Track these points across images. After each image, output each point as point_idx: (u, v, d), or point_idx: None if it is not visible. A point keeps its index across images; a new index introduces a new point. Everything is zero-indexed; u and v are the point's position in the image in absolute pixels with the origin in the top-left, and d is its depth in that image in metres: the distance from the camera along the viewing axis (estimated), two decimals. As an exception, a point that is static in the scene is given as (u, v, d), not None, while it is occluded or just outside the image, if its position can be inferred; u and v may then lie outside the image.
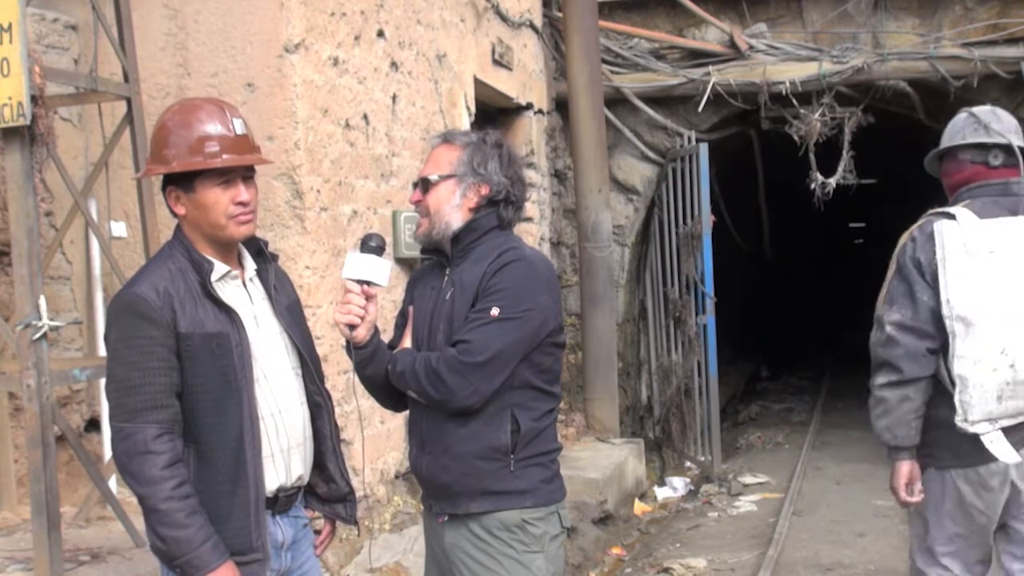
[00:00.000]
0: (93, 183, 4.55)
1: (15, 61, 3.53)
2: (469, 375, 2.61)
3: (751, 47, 8.55)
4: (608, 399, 8.08)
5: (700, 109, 8.57)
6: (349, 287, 2.67)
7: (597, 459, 7.23)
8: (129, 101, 4.36)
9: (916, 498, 3.19)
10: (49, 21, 4.90)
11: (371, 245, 2.67)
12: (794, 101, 8.44)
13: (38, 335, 3.65)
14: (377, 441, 5.41)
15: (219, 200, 2.49)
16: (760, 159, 11.32)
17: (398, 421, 5.45)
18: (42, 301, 3.66)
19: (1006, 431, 3.00)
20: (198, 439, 2.44)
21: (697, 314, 8.30)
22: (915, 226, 3.16)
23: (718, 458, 8.31)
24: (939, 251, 3.03)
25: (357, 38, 5.25)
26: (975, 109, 3.28)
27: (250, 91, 4.66)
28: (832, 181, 8.65)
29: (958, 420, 3.00)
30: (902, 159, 13.00)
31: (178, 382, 2.42)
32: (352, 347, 2.70)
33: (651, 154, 8.91)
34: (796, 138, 8.52)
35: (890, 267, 3.20)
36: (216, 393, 2.45)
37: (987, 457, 3.02)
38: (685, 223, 8.38)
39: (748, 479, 8.03)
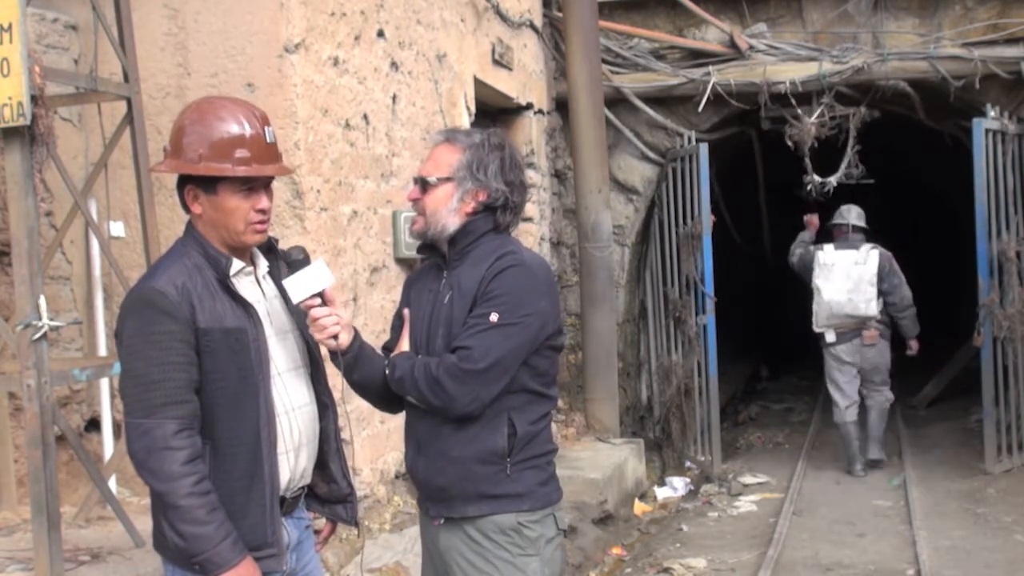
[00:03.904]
0: (93, 183, 4.55)
1: (15, 61, 3.53)
2: (470, 382, 2.60)
3: (751, 47, 8.54)
4: (608, 399, 8.08)
5: (700, 109, 8.55)
6: (307, 307, 2.61)
7: (597, 459, 7.23)
8: (129, 101, 4.36)
9: None
10: (49, 21, 4.90)
11: (296, 260, 2.60)
12: (794, 101, 8.44)
13: (38, 335, 3.64)
14: (377, 441, 5.41)
15: (240, 206, 2.49)
16: (760, 159, 11.30)
17: (398, 421, 5.39)
18: (42, 301, 3.66)
19: (838, 332, 7.96)
20: (215, 435, 2.43)
21: (697, 314, 8.30)
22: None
23: (718, 458, 8.31)
24: (815, 263, 7.98)
25: (357, 38, 5.25)
26: (842, 208, 8.16)
27: (250, 91, 4.65)
28: (832, 180, 8.64)
29: (814, 327, 8.01)
30: (901, 159, 13.00)
31: (197, 377, 2.40)
32: (338, 355, 2.67)
33: (651, 154, 8.90)
34: (790, 143, 8.52)
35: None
36: (234, 389, 2.43)
37: (828, 343, 8.05)
38: (685, 223, 8.37)
39: (748, 479, 8.03)
